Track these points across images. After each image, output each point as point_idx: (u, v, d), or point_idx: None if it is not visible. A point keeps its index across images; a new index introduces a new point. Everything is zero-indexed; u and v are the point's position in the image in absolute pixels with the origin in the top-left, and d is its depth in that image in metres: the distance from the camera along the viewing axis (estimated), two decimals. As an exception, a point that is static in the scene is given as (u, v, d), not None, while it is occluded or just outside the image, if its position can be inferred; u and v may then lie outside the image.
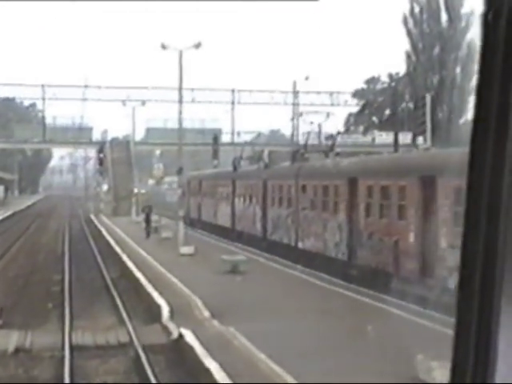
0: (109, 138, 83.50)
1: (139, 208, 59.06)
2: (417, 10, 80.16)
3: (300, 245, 33.99)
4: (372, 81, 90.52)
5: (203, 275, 27.28)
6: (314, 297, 22.26)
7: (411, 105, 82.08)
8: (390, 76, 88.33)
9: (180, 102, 41.21)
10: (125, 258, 34.29)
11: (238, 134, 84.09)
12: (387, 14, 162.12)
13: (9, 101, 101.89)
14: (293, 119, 77.02)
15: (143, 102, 78.77)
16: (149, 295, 23.53)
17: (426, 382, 11.37)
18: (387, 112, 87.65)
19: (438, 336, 13.56)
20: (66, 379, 15.18)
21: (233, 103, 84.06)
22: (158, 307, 20.96)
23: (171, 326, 18.49)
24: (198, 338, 16.32)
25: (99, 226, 59.68)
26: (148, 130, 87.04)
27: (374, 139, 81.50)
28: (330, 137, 44.74)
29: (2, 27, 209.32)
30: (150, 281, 25.98)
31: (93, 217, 72.82)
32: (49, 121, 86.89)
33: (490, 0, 2.03)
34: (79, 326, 20.41)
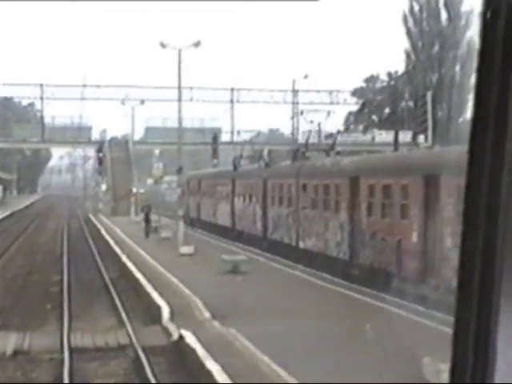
0: (108, 137, 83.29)
1: (138, 208, 58.88)
2: (416, 8, 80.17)
3: (301, 244, 33.78)
4: (371, 79, 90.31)
5: (203, 275, 27.07)
6: (316, 297, 22.07)
7: (411, 103, 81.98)
8: (389, 74, 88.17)
9: (179, 100, 40.97)
10: (124, 258, 34.09)
11: (238, 132, 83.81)
12: (387, 13, 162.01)
13: (7, 100, 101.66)
14: (292, 118, 76.78)
15: (142, 101, 78.47)
16: (148, 296, 23.32)
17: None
18: (387, 111, 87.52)
19: (444, 337, 13.31)
20: (66, 382, 14.93)
21: (232, 102, 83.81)
22: (158, 308, 20.73)
23: (171, 327, 18.27)
24: (199, 339, 16.08)
25: (98, 225, 59.49)
26: (147, 130, 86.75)
27: (373, 138, 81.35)
28: (330, 136, 44.54)
29: (1, 27, 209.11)
30: (149, 281, 25.77)
31: (92, 216, 72.64)
32: (47, 120, 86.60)
33: None
34: (78, 328, 20.19)
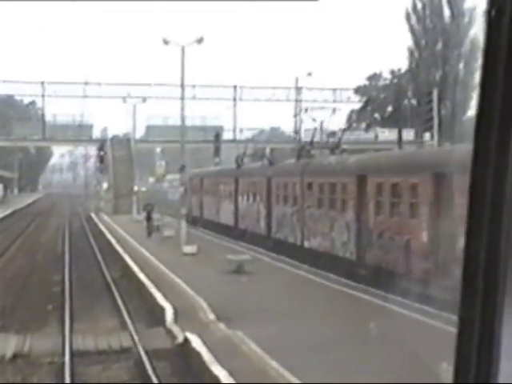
0: (109, 135, 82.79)
1: (140, 206, 58.50)
2: (419, 5, 79.87)
3: (306, 244, 33.32)
4: (374, 77, 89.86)
5: (207, 275, 26.63)
6: (323, 298, 21.67)
7: (414, 101, 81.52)
8: (393, 72, 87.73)
9: (182, 98, 40.52)
10: (126, 257, 33.65)
11: (241, 130, 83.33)
12: (390, 10, 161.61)
13: (8, 98, 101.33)
14: (296, 116, 76.28)
15: (144, 99, 77.98)
16: (151, 296, 22.87)
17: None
18: (389, 109, 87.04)
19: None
20: (67, 387, 14.49)
21: (235, 100, 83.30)
22: (162, 309, 20.24)
23: (176, 330, 17.79)
24: (204, 342, 15.58)
25: (100, 224, 59.10)
26: (148, 128, 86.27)
27: (376, 136, 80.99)
28: (332, 134, 44.06)
29: (2, 24, 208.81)
30: (152, 281, 25.32)
31: (93, 215, 72.30)
32: (49, 118, 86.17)
33: None
34: (80, 330, 19.73)
